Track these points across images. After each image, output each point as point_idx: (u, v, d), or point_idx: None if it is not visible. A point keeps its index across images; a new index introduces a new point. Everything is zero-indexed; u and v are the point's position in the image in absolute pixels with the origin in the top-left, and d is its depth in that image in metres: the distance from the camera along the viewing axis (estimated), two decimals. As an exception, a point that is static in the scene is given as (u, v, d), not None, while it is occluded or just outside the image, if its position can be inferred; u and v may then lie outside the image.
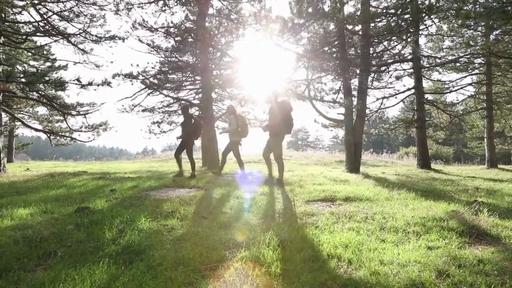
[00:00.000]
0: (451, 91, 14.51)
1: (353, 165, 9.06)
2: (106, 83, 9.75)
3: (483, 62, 14.04)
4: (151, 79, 12.57)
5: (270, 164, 6.31)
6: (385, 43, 12.14)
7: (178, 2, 11.97)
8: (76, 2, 9.56)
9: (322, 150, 54.55)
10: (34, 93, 10.96)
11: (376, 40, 11.13)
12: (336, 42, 9.86)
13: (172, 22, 12.18)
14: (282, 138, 6.12)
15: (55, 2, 9.44)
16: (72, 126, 10.65)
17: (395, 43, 12.31)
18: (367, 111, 11.79)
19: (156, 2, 11.62)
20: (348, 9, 11.26)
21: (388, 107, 17.50)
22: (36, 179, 6.90)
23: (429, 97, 14.45)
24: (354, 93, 9.94)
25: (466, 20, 7.30)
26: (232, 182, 6.05)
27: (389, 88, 13.71)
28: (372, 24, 10.37)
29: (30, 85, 9.33)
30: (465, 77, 15.05)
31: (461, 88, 14.43)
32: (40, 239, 2.50)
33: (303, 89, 10.29)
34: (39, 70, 12.73)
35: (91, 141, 11.02)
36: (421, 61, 12.89)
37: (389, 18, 9.05)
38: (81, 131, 10.65)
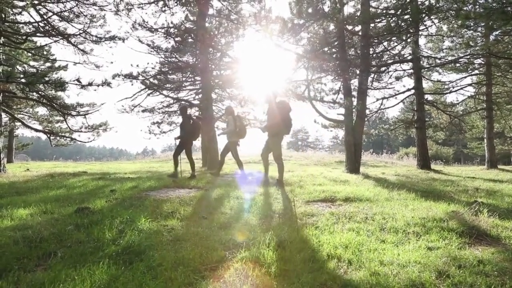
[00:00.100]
0: (451, 92, 14.54)
1: (353, 165, 9.06)
2: (106, 83, 9.75)
3: (483, 62, 14.05)
4: (151, 80, 12.58)
5: (267, 164, 6.31)
6: (385, 43, 12.15)
7: (178, 2, 11.98)
8: (76, 2, 9.57)
9: (322, 150, 54.55)
10: (34, 93, 10.96)
11: (376, 41, 11.14)
12: (336, 43, 9.87)
13: (172, 22, 12.21)
14: (281, 139, 6.13)
15: (55, 2, 9.44)
16: (72, 126, 10.66)
17: (395, 44, 12.32)
18: (367, 111, 11.80)
19: (156, 3, 11.62)
20: (348, 9, 11.27)
21: (388, 108, 17.50)
22: (36, 179, 6.90)
23: (429, 97, 14.45)
24: (354, 93, 9.95)
25: (466, 20, 7.31)
26: (232, 183, 6.05)
27: (389, 88, 13.72)
28: (372, 25, 10.38)
29: (30, 86, 9.34)
30: (465, 77, 15.08)
31: (461, 88, 14.47)
32: (40, 239, 2.50)
33: (303, 89, 10.30)
34: (39, 71, 12.74)
35: (91, 141, 11.04)
36: (421, 62, 12.90)
37: (389, 19, 9.05)
38: (81, 131, 10.66)
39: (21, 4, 8.90)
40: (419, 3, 10.01)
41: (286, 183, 5.96)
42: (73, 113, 10.52)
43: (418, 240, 2.66)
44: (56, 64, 12.85)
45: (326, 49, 10.21)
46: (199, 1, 11.15)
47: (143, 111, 13.48)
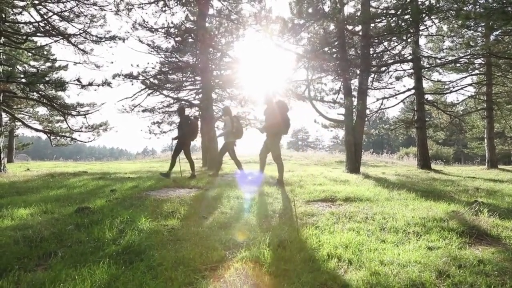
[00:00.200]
0: (451, 92, 14.53)
1: (353, 165, 9.06)
2: (106, 83, 9.76)
3: (483, 62, 14.04)
4: (151, 80, 12.58)
5: (263, 164, 6.31)
6: (385, 43, 12.15)
7: (178, 2, 11.98)
8: (77, 2, 9.57)
9: (322, 150, 54.54)
10: (35, 93, 10.96)
11: (376, 41, 11.13)
12: (336, 43, 9.87)
13: (172, 22, 12.22)
14: (280, 138, 6.13)
15: (55, 2, 9.45)
16: (72, 126, 10.66)
17: (395, 44, 12.32)
18: (367, 111, 11.80)
19: (156, 3, 11.63)
20: (348, 9, 11.25)
21: (388, 108, 17.51)
22: (36, 179, 6.90)
23: (429, 97, 14.45)
24: (354, 93, 9.95)
25: (466, 20, 7.31)
26: (232, 182, 6.05)
27: (389, 88, 13.72)
28: (372, 25, 10.38)
29: (30, 86, 9.35)
30: (465, 77, 15.05)
31: (461, 88, 14.46)
32: (41, 239, 2.50)
33: (303, 89, 10.30)
34: (39, 71, 12.73)
35: (91, 141, 11.03)
36: (421, 62, 12.89)
37: (389, 19, 9.05)
38: (81, 131, 10.66)
39: (22, 4, 8.91)
40: (419, 3, 10.01)
41: (286, 183, 5.96)
42: (74, 113, 10.52)
43: (419, 240, 2.66)
44: (57, 64, 12.85)
45: (326, 49, 10.21)
46: (199, 1, 11.15)
47: (143, 111, 13.48)
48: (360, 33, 9.71)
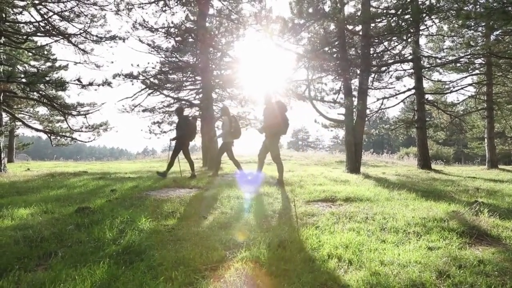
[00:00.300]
0: (451, 92, 14.52)
1: (354, 165, 9.06)
2: (107, 83, 9.76)
3: (483, 62, 14.03)
4: (152, 79, 12.58)
5: (262, 164, 6.32)
6: (386, 43, 12.14)
7: (178, 2, 11.98)
8: (77, 2, 9.57)
9: (323, 150, 54.56)
10: (35, 93, 10.97)
11: (376, 41, 11.13)
12: (336, 43, 9.87)
13: (172, 22, 12.20)
14: (279, 139, 6.15)
15: (55, 2, 9.45)
16: (72, 126, 10.66)
17: (396, 44, 12.31)
18: (368, 111, 11.79)
19: (156, 3, 11.63)
20: (348, 9, 11.22)
21: (388, 108, 17.49)
22: (37, 179, 6.91)
23: (430, 97, 14.44)
24: (355, 93, 9.95)
25: (467, 20, 7.31)
26: (232, 182, 6.05)
27: (389, 88, 13.72)
28: (373, 25, 10.37)
29: (30, 85, 9.34)
30: (466, 77, 15.04)
31: (462, 88, 14.45)
32: (41, 239, 2.50)
33: (303, 89, 10.29)
34: (39, 70, 12.75)
35: (91, 141, 11.03)
36: (422, 62, 12.88)
37: (390, 19, 9.04)
38: (82, 131, 10.66)
39: (22, 3, 8.91)
40: (419, 3, 10.00)
41: (287, 183, 5.96)
42: (74, 112, 10.52)
43: (419, 240, 2.66)
44: (57, 64, 12.84)
45: (326, 49, 10.20)
46: (199, 1, 11.15)
47: (143, 110, 13.49)
48: (361, 33, 9.71)
